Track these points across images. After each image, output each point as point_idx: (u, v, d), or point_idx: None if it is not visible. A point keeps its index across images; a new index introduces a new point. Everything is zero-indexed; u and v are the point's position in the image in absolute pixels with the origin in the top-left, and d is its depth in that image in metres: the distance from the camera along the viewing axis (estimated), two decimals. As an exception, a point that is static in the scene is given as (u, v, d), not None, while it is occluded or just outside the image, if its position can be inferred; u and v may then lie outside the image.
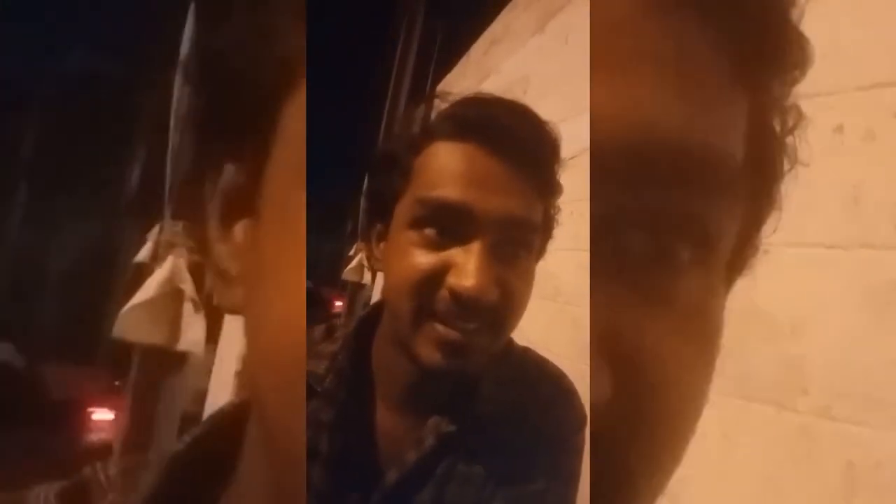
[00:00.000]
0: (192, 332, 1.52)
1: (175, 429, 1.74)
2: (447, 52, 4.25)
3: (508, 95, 0.55)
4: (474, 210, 0.49)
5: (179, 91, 1.58)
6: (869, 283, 0.72)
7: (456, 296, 0.48)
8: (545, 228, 0.56)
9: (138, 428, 1.72)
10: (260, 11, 0.27)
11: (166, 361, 1.68)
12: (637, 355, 0.22)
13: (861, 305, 0.72)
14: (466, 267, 0.48)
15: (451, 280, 0.49)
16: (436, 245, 0.50)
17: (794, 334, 0.79)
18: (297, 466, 0.25)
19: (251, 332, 0.27)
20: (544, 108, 0.55)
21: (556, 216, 0.58)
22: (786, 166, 0.29)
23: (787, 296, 0.80)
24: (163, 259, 1.57)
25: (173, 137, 1.63)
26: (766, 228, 0.30)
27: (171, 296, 1.53)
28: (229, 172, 0.29)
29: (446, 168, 0.51)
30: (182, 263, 1.53)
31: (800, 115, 0.29)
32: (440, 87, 3.91)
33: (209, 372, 2.23)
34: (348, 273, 4.16)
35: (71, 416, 5.41)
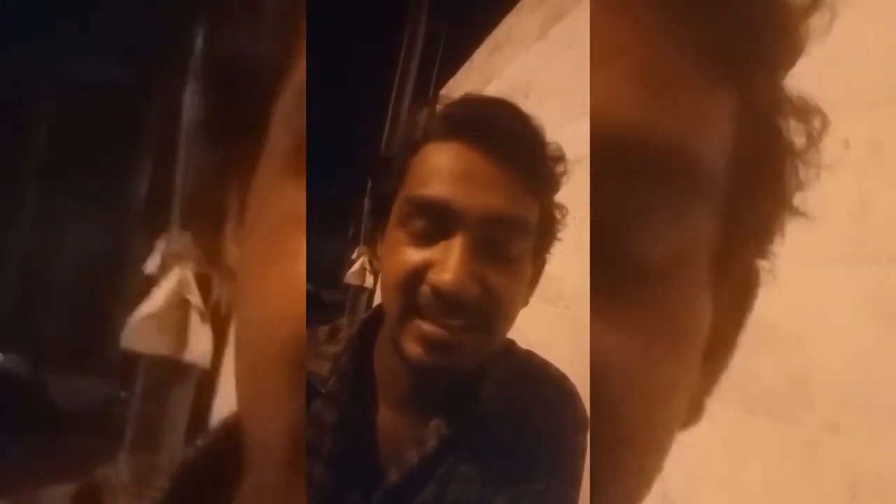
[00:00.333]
0: (199, 342, 1.53)
1: (182, 435, 1.75)
2: (450, 55, 4.24)
3: (510, 100, 0.55)
4: (456, 206, 0.49)
5: (190, 98, 1.59)
6: (876, 296, 0.72)
7: (436, 290, 0.48)
8: (545, 229, 0.56)
9: (146, 436, 1.73)
10: (261, 12, 0.28)
11: (173, 371, 1.69)
12: (636, 360, 0.22)
13: (868, 319, 0.72)
14: (446, 262, 0.48)
15: (431, 275, 0.49)
16: (421, 242, 0.50)
17: (800, 347, 0.79)
18: (297, 467, 0.25)
19: (251, 332, 0.27)
20: (546, 113, 0.55)
21: (563, 218, 0.58)
22: (801, 173, 0.29)
23: (794, 309, 0.80)
24: (170, 270, 1.58)
25: (183, 145, 1.64)
26: (775, 238, 0.30)
27: (179, 306, 1.54)
28: (237, 173, 0.30)
29: (434, 167, 0.51)
30: (189, 274, 1.54)
31: (824, 122, 0.28)
32: (443, 90, 3.91)
33: (216, 380, 2.24)
34: (350, 276, 4.14)
35: (79, 423, 5.42)
